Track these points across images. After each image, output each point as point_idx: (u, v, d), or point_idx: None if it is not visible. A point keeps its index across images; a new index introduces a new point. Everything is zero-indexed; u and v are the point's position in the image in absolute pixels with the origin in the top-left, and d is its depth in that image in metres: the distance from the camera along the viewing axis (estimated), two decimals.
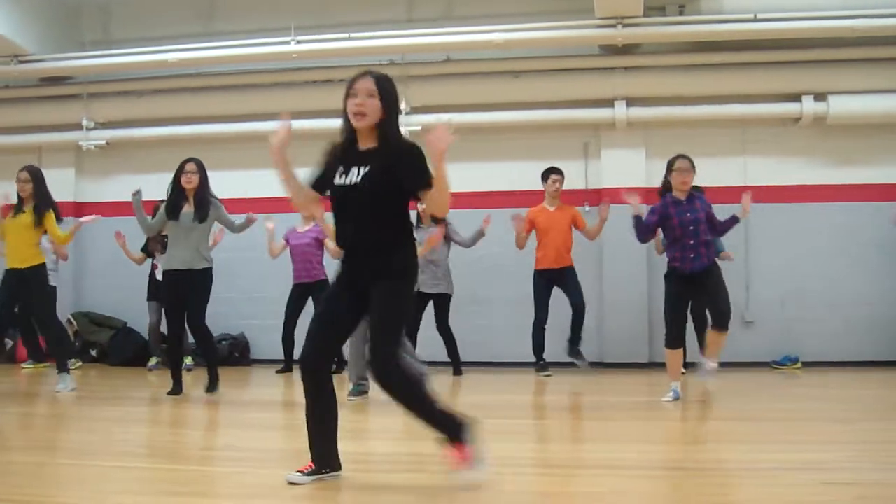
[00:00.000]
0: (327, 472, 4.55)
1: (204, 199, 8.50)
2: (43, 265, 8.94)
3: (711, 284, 7.85)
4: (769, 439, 6.10)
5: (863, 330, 10.80)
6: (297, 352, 10.23)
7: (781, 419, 6.96)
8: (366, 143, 4.52)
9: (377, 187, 4.42)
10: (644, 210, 8.12)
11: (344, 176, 4.48)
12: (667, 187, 8.04)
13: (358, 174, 4.43)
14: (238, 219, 8.78)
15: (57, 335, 9.19)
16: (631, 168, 11.32)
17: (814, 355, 10.76)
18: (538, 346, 10.26)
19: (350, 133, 4.56)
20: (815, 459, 5.11)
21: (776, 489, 4.38)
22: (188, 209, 8.48)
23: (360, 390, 8.03)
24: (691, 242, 7.78)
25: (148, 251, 11.19)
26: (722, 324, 7.82)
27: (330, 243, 9.88)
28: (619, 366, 10.75)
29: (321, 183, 4.68)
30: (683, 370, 9.42)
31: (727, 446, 5.98)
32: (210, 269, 8.61)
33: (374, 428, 6.92)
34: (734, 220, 8.11)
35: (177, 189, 8.52)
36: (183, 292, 8.51)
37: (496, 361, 11.00)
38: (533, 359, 10.31)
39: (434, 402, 4.47)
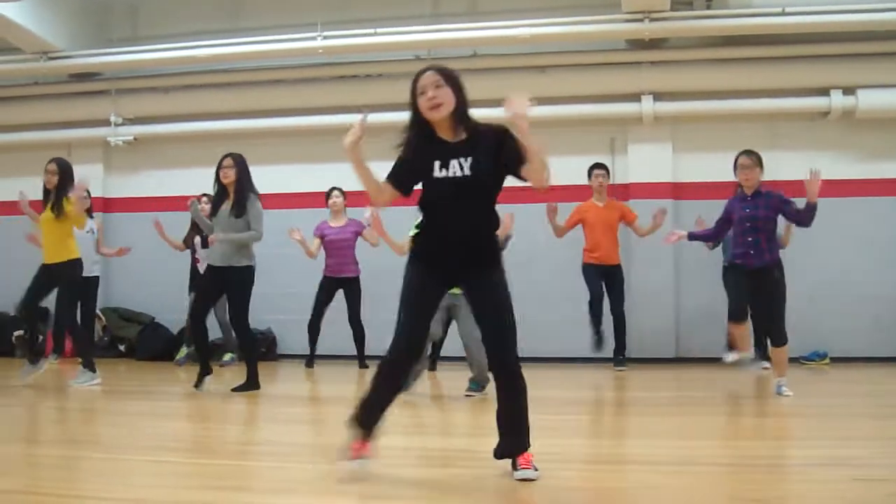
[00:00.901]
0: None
1: (242, 195, 8.40)
2: (74, 262, 8.84)
3: (768, 289, 7.81)
4: (799, 435, 6.08)
5: (892, 325, 10.73)
6: (326, 345, 10.51)
7: (811, 415, 6.94)
8: (451, 135, 4.47)
9: (487, 176, 4.42)
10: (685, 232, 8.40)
11: (445, 169, 4.41)
12: (740, 185, 8.09)
13: (463, 166, 4.40)
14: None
15: (76, 333, 9.23)
16: (658, 163, 11.31)
17: (842, 351, 10.70)
18: (596, 319, 10.22)
19: (423, 131, 4.50)
20: (847, 455, 5.08)
21: (807, 485, 4.38)
22: (227, 205, 8.42)
23: (480, 386, 8.04)
24: (749, 239, 7.79)
25: (186, 242, 11.22)
26: (778, 340, 7.82)
27: (371, 235, 9.91)
28: (646, 361, 10.72)
29: (406, 180, 4.59)
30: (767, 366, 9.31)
31: (757, 442, 5.96)
32: (251, 267, 8.47)
33: (414, 424, 6.92)
34: (809, 207, 7.95)
35: (218, 184, 8.48)
36: (218, 288, 8.50)
37: (527, 357, 10.94)
38: (581, 354, 10.50)
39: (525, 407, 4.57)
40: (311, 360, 10.79)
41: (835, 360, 10.63)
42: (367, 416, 4.58)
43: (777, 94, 11.05)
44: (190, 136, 12.38)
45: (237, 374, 8.91)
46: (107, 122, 12.52)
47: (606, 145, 11.60)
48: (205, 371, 8.44)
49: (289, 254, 10.71)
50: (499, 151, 4.39)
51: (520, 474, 4.39)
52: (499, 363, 4.51)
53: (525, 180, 4.46)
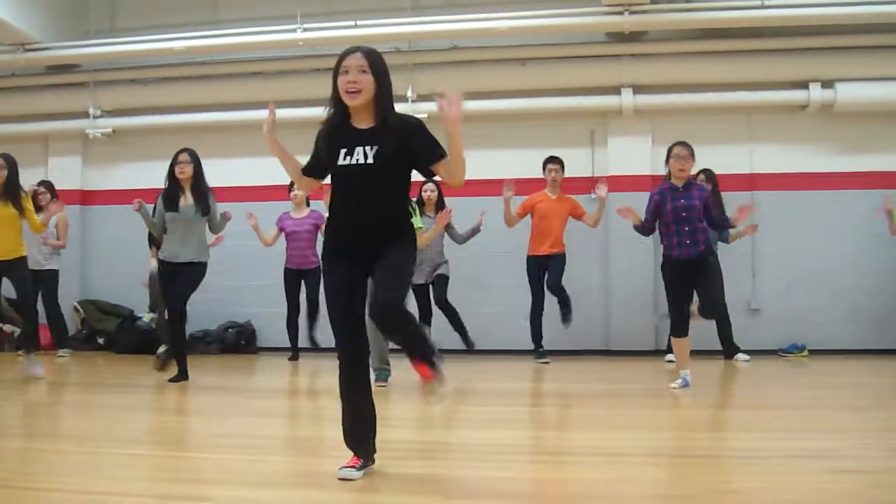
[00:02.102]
0: (371, 465, 4.52)
1: (202, 191, 8.41)
2: (24, 258, 8.89)
3: (705, 273, 7.84)
4: (777, 427, 6.10)
5: (870, 318, 10.77)
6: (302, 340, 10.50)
7: (788, 407, 6.96)
8: (364, 122, 4.41)
9: (390, 165, 4.34)
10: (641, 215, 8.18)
11: (349, 157, 4.36)
12: (668, 175, 8.04)
13: (366, 154, 4.34)
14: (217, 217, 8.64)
15: (28, 323, 9.20)
16: (637, 155, 11.32)
17: (821, 343, 10.73)
18: (536, 333, 10.36)
19: (341, 113, 4.44)
20: (823, 447, 5.11)
21: (784, 477, 4.39)
22: (187, 202, 8.39)
23: (385, 376, 8.09)
24: (686, 229, 7.75)
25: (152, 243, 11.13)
26: (707, 312, 7.85)
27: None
28: (625, 353, 10.75)
29: (317, 168, 4.60)
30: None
31: (734, 434, 6.00)
32: (206, 264, 8.57)
33: (392, 416, 6.91)
34: (728, 223, 8.13)
35: (172, 181, 8.44)
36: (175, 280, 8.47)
37: (500, 349, 10.98)
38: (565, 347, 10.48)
39: (419, 331, 4.40)
40: (295, 353, 10.78)
41: (813, 352, 10.65)
42: (355, 436, 4.51)
43: (756, 87, 11.07)
44: (169, 129, 12.29)
45: (219, 367, 8.88)
46: (85, 115, 12.44)
47: (586, 138, 11.60)
48: (183, 374, 8.45)
49: (254, 246, 10.67)
50: (407, 143, 4.34)
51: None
52: (377, 306, 4.30)
53: (432, 176, 4.48)
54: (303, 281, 10.63)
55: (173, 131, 12.19)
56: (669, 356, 9.74)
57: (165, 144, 12.12)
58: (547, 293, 10.28)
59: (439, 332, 9.67)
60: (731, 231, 9.50)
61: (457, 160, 4.33)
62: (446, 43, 11.61)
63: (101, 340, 12.02)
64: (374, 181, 4.35)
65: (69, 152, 12.75)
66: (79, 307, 12.12)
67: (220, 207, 8.64)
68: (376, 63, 4.37)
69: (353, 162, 4.35)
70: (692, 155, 7.90)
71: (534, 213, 10.35)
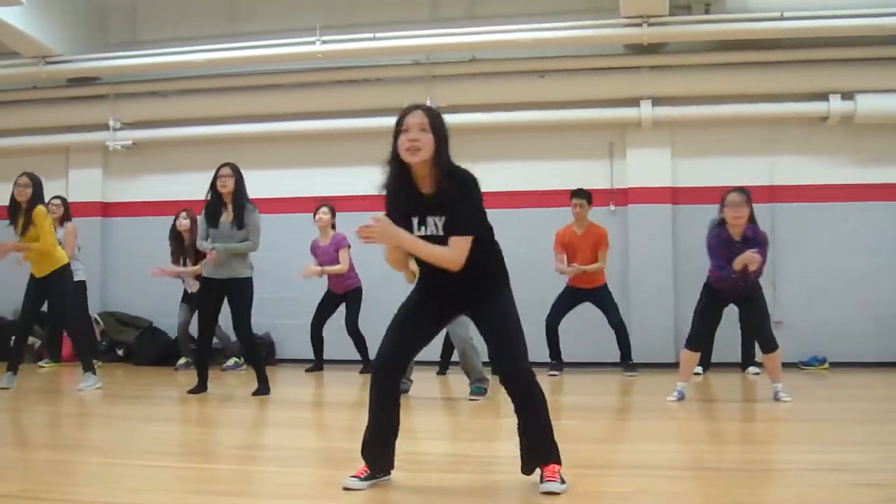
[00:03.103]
0: (381, 476, 4.49)
1: (242, 205, 8.40)
2: (64, 267, 8.86)
3: (751, 308, 7.80)
4: (798, 440, 6.07)
5: (890, 330, 10.71)
6: (328, 351, 10.51)
7: (809, 420, 6.93)
8: (426, 185, 4.36)
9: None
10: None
11: (423, 227, 4.35)
12: (721, 222, 7.72)
13: (437, 225, 4.33)
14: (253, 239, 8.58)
15: (76, 335, 9.20)
16: (657, 168, 11.31)
17: (841, 356, 10.68)
18: (552, 346, 10.32)
19: (402, 175, 4.39)
20: (844, 461, 5.06)
21: (805, 490, 4.36)
22: (226, 217, 8.40)
23: (407, 387, 8.21)
24: (734, 276, 7.62)
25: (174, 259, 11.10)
26: (769, 347, 7.80)
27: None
28: (646, 365, 10.70)
29: None
30: (700, 371, 9.54)
31: (755, 447, 5.95)
32: (251, 278, 8.53)
33: (421, 427, 6.90)
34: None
35: (214, 194, 8.44)
36: (220, 300, 8.49)
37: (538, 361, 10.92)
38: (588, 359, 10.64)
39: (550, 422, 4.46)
40: (314, 365, 10.80)
41: (834, 365, 10.61)
42: (371, 448, 4.50)
43: (776, 99, 11.05)
44: (189, 141, 12.38)
45: (239, 380, 8.90)
46: (105, 127, 12.51)
47: (605, 150, 11.59)
48: (202, 386, 8.50)
49: (284, 258, 10.70)
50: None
51: (544, 487, 4.28)
52: (505, 375, 4.41)
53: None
54: (344, 304, 10.67)
55: (193, 143, 12.27)
56: (752, 368, 9.92)
57: (185, 156, 12.28)
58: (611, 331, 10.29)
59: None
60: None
61: (418, 254, 4.38)
62: (465, 55, 11.62)
63: (120, 352, 12.06)
64: None
65: (90, 164, 12.83)
66: (98, 319, 12.15)
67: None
68: (436, 122, 4.36)
69: (428, 234, 4.35)
70: (748, 202, 7.58)
71: (564, 248, 10.30)
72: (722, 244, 7.63)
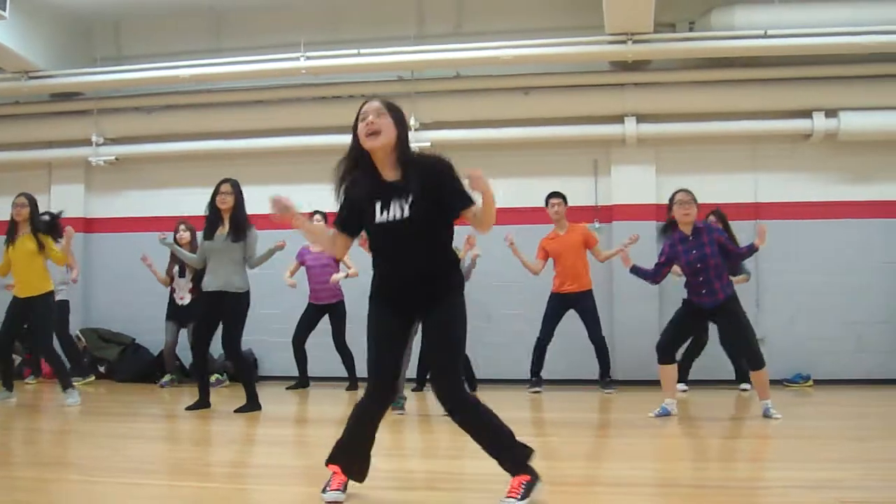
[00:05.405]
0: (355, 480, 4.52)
1: (239, 221, 8.43)
2: (49, 293, 8.99)
3: (730, 325, 7.88)
4: (782, 457, 6.07)
5: (874, 348, 10.74)
6: (312, 367, 10.46)
7: (794, 437, 6.92)
8: (391, 173, 4.39)
9: (429, 215, 4.33)
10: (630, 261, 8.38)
11: (386, 212, 4.34)
12: (672, 223, 8.02)
13: (402, 208, 4.32)
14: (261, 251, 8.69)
15: (56, 363, 9.16)
16: (641, 185, 11.31)
17: (825, 373, 10.69)
18: (537, 363, 10.28)
19: (364, 163, 4.42)
20: (829, 478, 5.07)
21: None
22: (222, 230, 8.44)
23: (402, 404, 8.28)
24: (700, 279, 7.78)
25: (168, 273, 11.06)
26: (754, 365, 7.82)
27: (349, 265, 9.93)
28: (630, 383, 10.69)
29: (351, 224, 4.57)
30: (686, 388, 9.58)
31: (739, 464, 5.95)
32: (247, 293, 8.54)
33: (404, 445, 6.87)
34: (751, 249, 8.10)
35: (213, 210, 8.49)
36: (216, 314, 8.48)
37: (505, 378, 10.93)
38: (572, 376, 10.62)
39: (504, 429, 4.45)
40: (298, 382, 10.76)
41: (818, 382, 10.62)
42: (348, 460, 4.51)
43: (759, 116, 11.09)
44: (172, 157, 12.35)
45: (224, 396, 8.85)
46: (88, 142, 12.45)
47: (589, 167, 11.60)
48: (204, 401, 8.47)
49: (268, 274, 10.62)
50: (439, 191, 4.34)
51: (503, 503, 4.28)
52: (442, 398, 4.39)
53: (460, 219, 4.44)
54: (328, 316, 10.60)
55: (176, 159, 12.23)
56: (744, 385, 9.87)
57: (168, 172, 12.24)
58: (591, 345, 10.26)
59: None
60: (738, 276, 9.53)
61: (488, 212, 4.37)
62: (450, 71, 11.62)
63: (101, 368, 11.96)
64: (414, 235, 4.34)
65: (72, 180, 12.77)
66: (80, 335, 12.07)
67: None
68: (394, 109, 4.40)
69: (391, 218, 4.34)
70: (695, 200, 7.90)
71: (549, 253, 10.28)
72: (675, 243, 7.92)
